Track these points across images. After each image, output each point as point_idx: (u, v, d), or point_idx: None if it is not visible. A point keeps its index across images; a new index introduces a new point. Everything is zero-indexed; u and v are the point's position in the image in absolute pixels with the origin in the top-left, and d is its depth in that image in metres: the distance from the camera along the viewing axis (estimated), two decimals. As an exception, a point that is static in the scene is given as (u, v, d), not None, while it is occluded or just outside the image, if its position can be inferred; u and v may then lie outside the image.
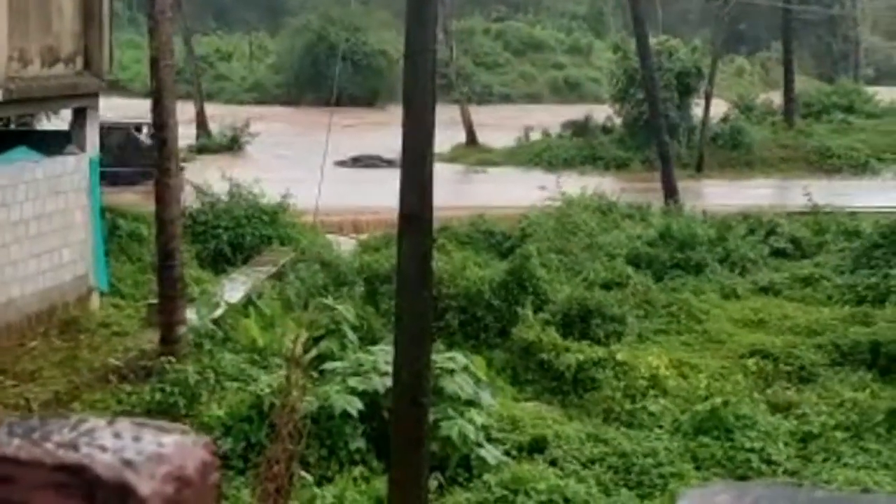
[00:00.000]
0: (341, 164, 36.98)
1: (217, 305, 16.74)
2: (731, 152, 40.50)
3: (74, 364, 14.73)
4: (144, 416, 7.58)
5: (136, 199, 23.77)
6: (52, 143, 17.31)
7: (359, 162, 38.81)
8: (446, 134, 35.76)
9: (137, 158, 28.33)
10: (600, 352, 16.27)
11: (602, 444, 13.36)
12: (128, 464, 0.79)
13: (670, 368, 15.97)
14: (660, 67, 36.05)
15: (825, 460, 13.19)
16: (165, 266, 15.37)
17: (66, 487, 0.79)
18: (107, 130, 24.87)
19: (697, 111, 40.03)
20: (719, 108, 42.29)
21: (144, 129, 29.79)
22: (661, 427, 14.07)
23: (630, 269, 20.56)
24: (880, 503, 0.89)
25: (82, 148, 17.34)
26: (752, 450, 13.17)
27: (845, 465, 13.02)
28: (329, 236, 24.22)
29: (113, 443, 0.81)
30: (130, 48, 55.07)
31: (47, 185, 16.41)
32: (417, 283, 9.92)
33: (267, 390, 12.66)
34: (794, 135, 42.79)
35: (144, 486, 0.78)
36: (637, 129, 39.57)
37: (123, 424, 0.85)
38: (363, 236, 25.05)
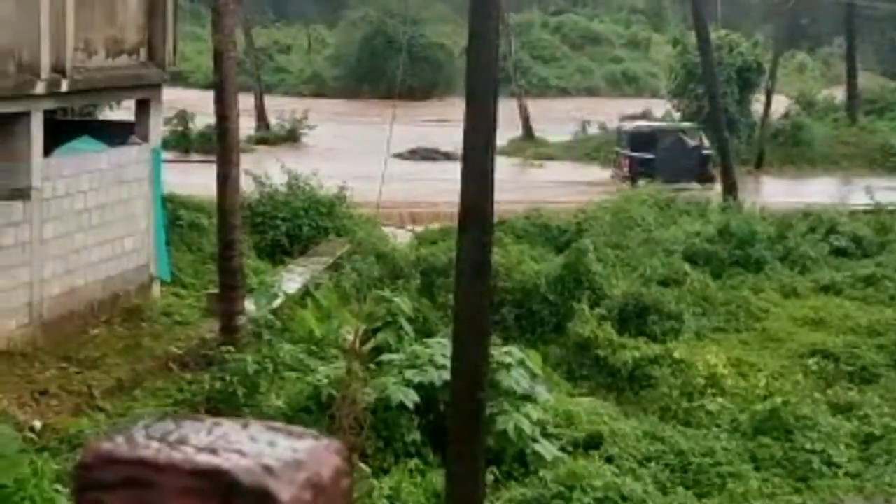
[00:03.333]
0: (398, 156, 37.01)
1: (275, 296, 16.85)
2: (792, 149, 40.03)
3: (136, 352, 14.91)
4: (205, 405, 7.65)
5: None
6: (115, 134, 17.51)
7: (416, 154, 38.81)
8: (503, 127, 35.68)
9: (684, 159, 33.26)
10: (657, 349, 16.18)
11: (659, 443, 13.28)
12: (268, 469, 0.79)
13: (728, 367, 15.83)
14: (720, 62, 35.71)
15: (887, 463, 13.02)
16: (225, 256, 15.50)
17: (205, 493, 0.80)
18: (659, 133, 33.95)
19: (758, 107, 39.62)
20: (780, 104, 41.83)
21: (689, 134, 34.93)
22: (718, 426, 13.96)
23: (688, 266, 20.40)
24: None
25: (145, 138, 17.52)
26: (812, 451, 13.03)
27: (907, 467, 12.85)
28: (385, 228, 24.28)
29: (250, 447, 0.82)
30: (192, 40, 55.52)
31: (111, 175, 16.60)
32: (476, 276, 9.92)
33: (325, 381, 12.72)
34: (856, 132, 42.21)
35: (285, 493, 0.78)
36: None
37: (257, 428, 0.85)
38: (419, 228, 25.08)
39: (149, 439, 0.83)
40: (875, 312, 18.88)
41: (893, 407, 14.40)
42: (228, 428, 0.84)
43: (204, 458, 0.80)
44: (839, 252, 23.23)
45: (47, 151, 15.20)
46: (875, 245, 23.54)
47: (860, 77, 46.29)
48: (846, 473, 12.82)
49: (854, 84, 44.57)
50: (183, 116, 36.60)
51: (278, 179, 23.03)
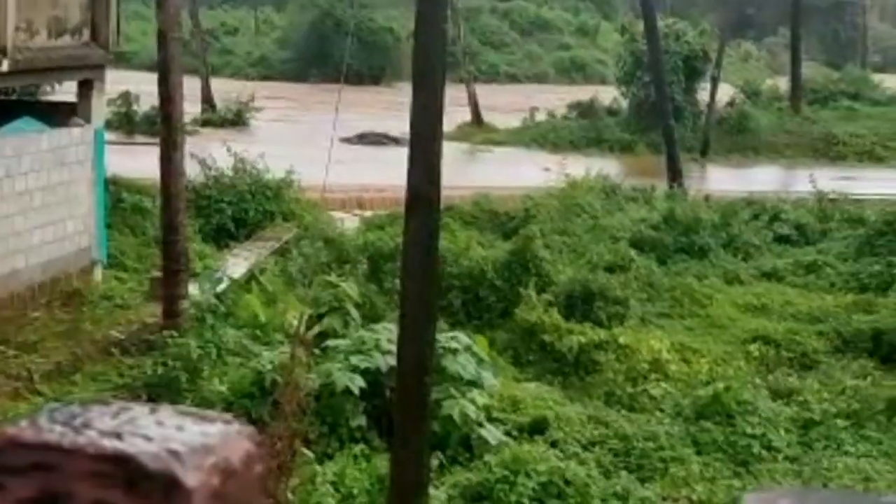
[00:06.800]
0: (346, 141, 36.87)
1: (220, 280, 16.71)
2: (737, 137, 40.38)
3: (77, 336, 14.72)
4: (146, 390, 7.57)
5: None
6: (56, 115, 17.26)
7: (364, 139, 38.68)
8: (451, 113, 35.68)
9: None
10: (602, 334, 16.27)
11: (603, 427, 13.37)
12: (174, 454, 0.77)
13: (672, 352, 15.96)
14: (667, 50, 35.89)
15: (826, 448, 13.19)
16: (169, 240, 15.34)
17: (109, 477, 0.77)
18: None
19: (704, 95, 39.91)
20: (726, 92, 42.16)
21: None
22: (662, 411, 14.08)
23: (633, 253, 20.52)
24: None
25: (87, 119, 17.29)
26: (752, 436, 13.17)
27: (846, 452, 13.02)
28: (333, 213, 24.18)
29: (157, 432, 0.79)
30: (136, 20, 54.87)
31: (52, 157, 16.37)
32: (423, 261, 9.90)
33: (269, 366, 12.65)
34: (799, 121, 42.66)
35: (191, 478, 0.76)
36: (643, 112, 39.43)
37: (166, 413, 0.82)
38: (367, 214, 25.01)
39: (54, 424, 0.80)
40: (816, 299, 19.11)
41: (832, 393, 14.58)
42: (136, 412, 0.82)
43: (109, 443, 0.78)
44: (782, 239, 23.48)
45: (-13, 132, 14.96)
46: (817, 233, 23.81)
47: (804, 67, 46.76)
48: (785, 458, 12.98)
49: (798, 74, 45.01)
50: (127, 98, 36.18)
51: (224, 163, 22.83)
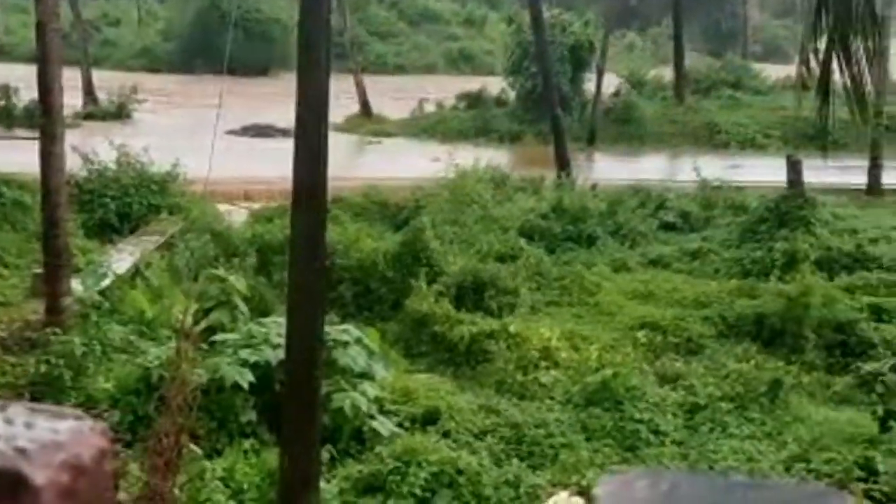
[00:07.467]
0: (232, 133, 36.44)
1: (104, 276, 16.39)
2: (623, 127, 40.96)
3: (-45, 335, 14.30)
4: (29, 389, 7.38)
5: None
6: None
7: (251, 131, 38.29)
8: (340, 104, 35.49)
9: None
10: (493, 324, 16.36)
11: (494, 416, 13.45)
12: (21, 452, 0.74)
13: (562, 340, 16.12)
14: (553, 41, 36.23)
15: (711, 430, 13.47)
16: (50, 235, 14.98)
17: (-48, 477, 0.74)
18: None
19: (590, 86, 40.38)
20: (612, 82, 42.72)
21: None
22: (552, 398, 14.22)
23: (523, 242, 20.69)
24: (796, 488, 0.88)
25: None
26: (640, 421, 13.39)
27: (730, 435, 13.31)
28: (220, 206, 23.88)
29: (4, 429, 0.76)
30: (17, 13, 53.47)
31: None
32: (310, 254, 9.83)
33: (155, 363, 12.46)
34: (683, 110, 43.43)
35: (39, 476, 0.73)
36: (531, 103, 39.75)
37: (15, 409, 0.79)
38: (255, 206, 24.76)
39: None
40: (701, 285, 19.48)
41: (717, 377, 14.88)
42: (-18, 409, 0.78)
43: (-49, 442, 0.74)
44: (667, 227, 23.90)
45: None
46: (701, 220, 24.28)
47: (687, 57, 47.57)
48: (672, 442, 13.22)
49: (681, 64, 45.79)
50: (6, 91, 35.28)
51: (107, 156, 22.40)
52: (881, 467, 11.88)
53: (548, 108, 31.32)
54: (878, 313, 17.68)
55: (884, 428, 12.84)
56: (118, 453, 10.16)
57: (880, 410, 13.04)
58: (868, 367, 14.89)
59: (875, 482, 11.72)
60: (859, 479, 11.68)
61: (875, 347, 16.40)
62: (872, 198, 30.36)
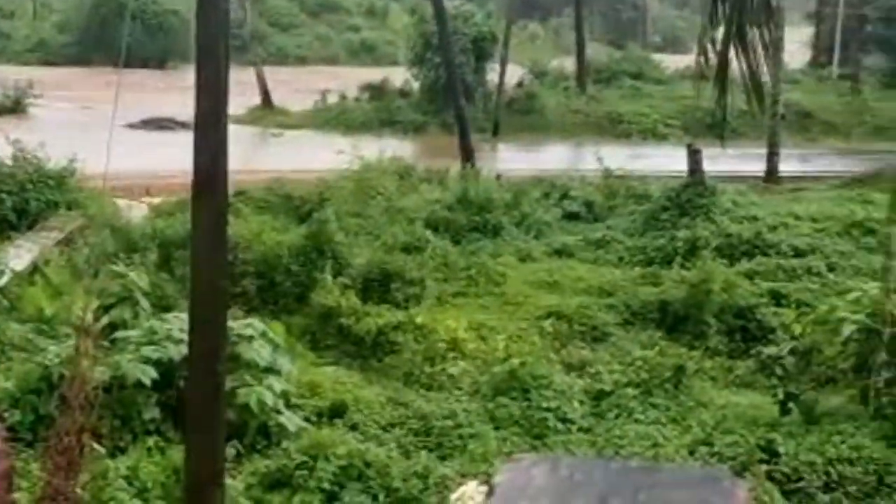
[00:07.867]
0: (131, 126, 35.83)
1: (1, 273, 16.01)
2: (526, 117, 41.20)
3: None
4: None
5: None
6: None
7: (150, 124, 37.70)
8: (242, 96, 35.12)
9: None
10: (400, 316, 16.30)
11: (402, 408, 13.40)
12: None
13: (469, 331, 16.12)
14: (456, 32, 36.29)
15: (617, 417, 13.58)
16: (-57, 233, 14.57)
17: None
18: None
19: (493, 76, 40.53)
20: (515, 73, 42.94)
21: None
22: (460, 389, 14.22)
23: (429, 233, 20.65)
24: (687, 471, 0.85)
25: None
26: (548, 409, 13.44)
27: (636, 420, 13.44)
28: (120, 201, 23.45)
29: None
30: None
31: None
32: (212, 248, 9.66)
33: (56, 361, 12.17)
34: (585, 100, 43.84)
35: None
36: (434, 94, 39.78)
37: None
38: (156, 201, 24.36)
39: None
40: (605, 274, 19.65)
41: (622, 364, 15.02)
42: None
43: None
44: (572, 216, 24.06)
45: None
46: (605, 209, 24.50)
47: (588, 47, 48.06)
48: (579, 429, 13.30)
49: (582, 54, 46.21)
50: None
51: (2, 152, 21.90)
52: (782, 449, 12.10)
53: (451, 98, 31.34)
54: (777, 298, 17.99)
55: (784, 410, 13.08)
56: (16, 453, 9.91)
57: (780, 393, 13.28)
58: (768, 351, 15.17)
59: (776, 463, 11.93)
60: (761, 461, 11.88)
61: (774, 332, 16.67)
62: (771, 185, 30.96)
